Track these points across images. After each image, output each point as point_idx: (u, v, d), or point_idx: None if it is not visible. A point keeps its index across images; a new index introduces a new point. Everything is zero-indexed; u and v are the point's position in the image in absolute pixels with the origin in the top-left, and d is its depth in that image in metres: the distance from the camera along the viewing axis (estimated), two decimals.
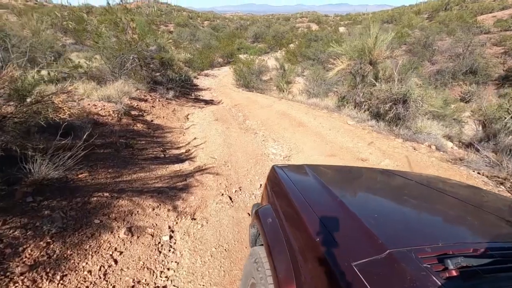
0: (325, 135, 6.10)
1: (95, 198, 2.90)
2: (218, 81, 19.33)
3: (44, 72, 6.52)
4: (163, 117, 7.35)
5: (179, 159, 4.77)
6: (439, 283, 0.72)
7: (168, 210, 3.16)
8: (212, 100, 13.23)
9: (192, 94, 14.07)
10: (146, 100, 8.04)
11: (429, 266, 0.79)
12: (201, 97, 13.87)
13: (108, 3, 9.78)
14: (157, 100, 8.68)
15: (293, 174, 1.69)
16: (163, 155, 4.76)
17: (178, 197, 3.43)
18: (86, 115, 5.15)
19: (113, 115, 5.62)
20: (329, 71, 20.58)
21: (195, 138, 6.00)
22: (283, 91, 12.85)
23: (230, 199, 3.66)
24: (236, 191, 3.90)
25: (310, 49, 24.75)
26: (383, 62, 7.07)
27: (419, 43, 22.66)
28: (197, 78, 19.08)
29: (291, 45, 29.28)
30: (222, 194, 3.72)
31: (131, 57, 9.03)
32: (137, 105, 7.23)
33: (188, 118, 8.32)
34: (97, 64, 9.35)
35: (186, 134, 6.42)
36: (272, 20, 49.96)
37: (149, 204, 3.14)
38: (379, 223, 1.08)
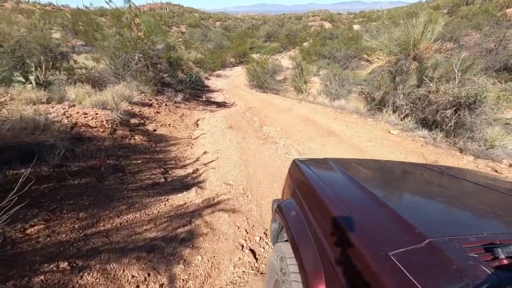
0: (365, 149, 4.82)
1: (41, 277, 1.76)
2: (230, 82, 18.19)
3: (32, 75, 5.51)
4: (169, 124, 6.23)
5: (183, 185, 3.61)
6: (490, 273, 0.66)
7: (161, 286, 1.99)
8: (225, 103, 12.08)
9: (203, 96, 12.96)
10: (150, 105, 6.95)
11: (476, 255, 0.72)
12: (213, 99, 12.75)
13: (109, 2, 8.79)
14: (164, 104, 7.58)
15: (317, 168, 1.56)
16: (163, 179, 3.61)
17: (178, 258, 2.25)
18: (71, 127, 4.06)
19: (106, 125, 4.52)
20: (347, 69, 19.14)
21: (205, 153, 4.84)
22: (302, 92, 11.57)
23: (254, 255, 2.46)
24: (261, 238, 2.70)
25: (325, 48, 23.28)
26: (431, 57, 5.71)
27: (443, 38, 20.80)
28: (209, 79, 18.02)
29: (305, 44, 27.83)
30: (242, 247, 2.52)
31: (136, 57, 7.97)
32: (139, 111, 6.13)
33: (198, 125, 7.18)
34: (103, 65, 8.35)
35: (195, 147, 5.26)
36: (284, 20, 48.47)
37: (132, 278, 1.98)
38: (415, 213, 1.01)
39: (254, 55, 22.69)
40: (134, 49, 7.39)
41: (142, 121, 5.62)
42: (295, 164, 1.67)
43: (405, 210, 1.02)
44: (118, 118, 4.77)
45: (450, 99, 4.58)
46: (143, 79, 7.65)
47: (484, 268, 0.67)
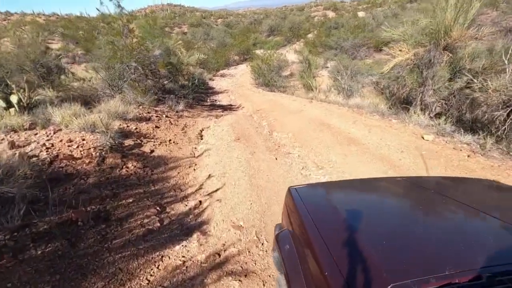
0: (398, 163, 3.98)
1: None
2: (235, 81, 17.37)
3: (14, 98, 4.88)
4: (169, 140, 5.53)
5: (183, 229, 2.90)
6: None
7: None
8: (230, 106, 11.32)
9: (208, 100, 12.23)
10: (149, 119, 6.26)
11: None
12: (218, 102, 12.00)
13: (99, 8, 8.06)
14: (164, 116, 6.88)
15: (307, 197, 1.53)
16: (158, 224, 2.91)
17: None
18: (50, 162, 3.39)
19: (93, 154, 3.85)
20: (356, 59, 18.00)
21: (209, 176, 4.12)
22: (312, 90, 10.68)
23: None
24: None
25: (331, 38, 22.09)
26: (466, 45, 4.78)
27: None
28: (213, 80, 17.27)
29: (310, 36, 26.64)
30: None
31: (133, 66, 7.28)
32: (136, 129, 5.45)
33: (202, 137, 6.46)
34: (101, 75, 7.71)
35: (198, 168, 4.55)
36: (286, 12, 46.97)
37: None
38: (387, 250, 1.03)
39: (258, 51, 21.74)
40: (129, 58, 6.69)
41: (138, 141, 4.94)
42: (289, 192, 1.62)
43: (381, 247, 1.02)
44: (109, 143, 4.09)
45: (504, 98, 3.68)
46: (140, 89, 6.95)
47: None
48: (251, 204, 3.27)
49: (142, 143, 4.96)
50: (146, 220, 2.92)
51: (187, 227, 2.96)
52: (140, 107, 6.78)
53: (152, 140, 5.26)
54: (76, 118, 4.58)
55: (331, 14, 43.00)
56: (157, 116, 6.60)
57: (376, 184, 1.91)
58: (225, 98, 13.07)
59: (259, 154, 4.96)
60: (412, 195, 1.62)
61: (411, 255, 1.01)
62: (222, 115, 9.20)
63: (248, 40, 27.00)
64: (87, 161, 3.64)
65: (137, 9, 52.16)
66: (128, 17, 7.09)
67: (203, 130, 7.05)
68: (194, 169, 4.53)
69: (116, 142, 4.37)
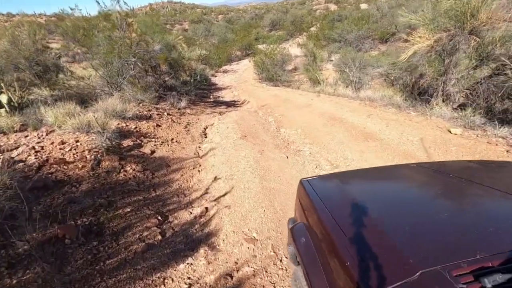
0: (425, 160, 3.54)
1: None
2: (238, 77, 16.91)
3: (4, 98, 4.51)
4: (172, 140, 5.13)
5: (188, 242, 2.51)
6: None
7: None
8: (234, 102, 10.89)
9: (211, 96, 11.81)
10: (149, 117, 5.86)
11: (464, 286, 0.70)
12: (221, 99, 11.58)
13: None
14: (166, 113, 6.48)
15: (321, 188, 1.47)
16: (159, 236, 2.52)
17: None
18: (38, 168, 3.01)
19: (87, 157, 3.46)
20: (361, 51, 17.40)
21: (216, 179, 3.72)
22: (319, 83, 10.19)
23: None
24: None
25: (334, 31, 21.45)
26: (494, 29, 4.29)
27: None
28: (215, 76, 16.82)
29: (312, 29, 25.96)
30: None
31: (132, 61, 6.86)
32: (135, 128, 5.05)
33: (206, 135, 6.06)
34: (101, 73, 7.31)
35: (203, 169, 4.15)
36: (287, 6, 46.10)
37: None
38: (411, 238, 0.97)
39: (260, 46, 21.19)
40: (127, 53, 6.27)
41: (138, 141, 4.54)
42: (301, 185, 1.55)
43: (402, 236, 0.98)
44: (105, 144, 3.69)
45: None
46: (140, 86, 6.55)
47: None
48: (264, 211, 2.86)
49: (142, 143, 4.57)
50: (145, 233, 2.53)
51: (193, 239, 2.57)
52: (140, 104, 6.38)
53: (153, 139, 4.86)
54: (70, 118, 4.19)
55: (333, 7, 42.08)
56: (158, 114, 6.20)
57: (392, 172, 1.81)
58: (228, 94, 12.65)
59: (268, 153, 4.54)
60: (433, 181, 1.52)
61: (437, 241, 0.95)
62: (226, 111, 8.78)
63: (250, 35, 26.41)
64: (80, 166, 3.25)
65: (137, 7, 51.57)
66: (126, 12, 6.65)
67: (207, 127, 6.64)
68: (199, 171, 4.13)
69: (114, 143, 3.98)
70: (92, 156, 3.49)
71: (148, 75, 7.75)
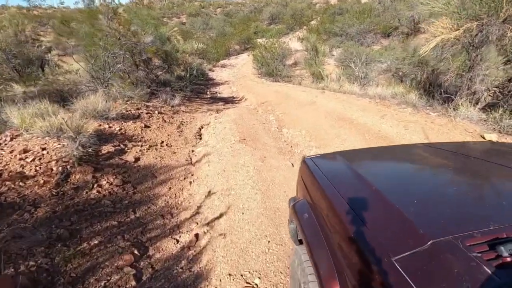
0: None
1: None
2: (236, 72, 16.14)
3: None
4: (161, 143, 4.49)
5: (170, 287, 1.90)
6: (492, 273, 0.61)
7: None
8: (232, 98, 10.21)
9: (208, 92, 11.11)
10: (137, 117, 5.19)
11: (479, 255, 0.67)
12: (219, 95, 10.88)
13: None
14: (157, 112, 5.80)
15: (324, 165, 1.45)
16: (133, 282, 1.90)
17: None
18: None
19: (53, 169, 2.82)
20: (363, 46, 16.67)
21: (209, 194, 3.09)
22: (322, 79, 9.51)
23: None
24: None
25: (336, 24, 20.65)
26: None
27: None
28: (213, 71, 16.05)
29: (313, 22, 25.09)
30: None
31: (120, 54, 6.16)
32: (120, 130, 4.40)
33: (201, 136, 5.42)
34: (83, 66, 6.60)
35: (196, 180, 3.52)
36: (286, 0, 44.97)
37: None
38: (419, 209, 0.93)
39: (259, 40, 20.37)
40: (113, 45, 5.57)
41: (121, 146, 3.89)
42: (304, 163, 1.53)
43: (410, 206, 0.93)
44: (77, 152, 3.04)
45: None
46: (129, 81, 5.86)
47: (486, 269, 0.62)
48: (268, 242, 2.25)
49: (126, 148, 3.92)
50: (115, 277, 1.91)
51: (177, 284, 1.95)
52: (129, 102, 5.70)
53: (140, 143, 4.21)
54: (41, 119, 3.52)
55: (333, 1, 41.02)
56: (148, 113, 5.53)
57: (398, 150, 1.80)
58: (226, 90, 11.94)
59: (270, 160, 3.91)
60: (443, 158, 1.46)
61: (448, 213, 0.90)
62: (223, 109, 8.12)
63: (249, 29, 25.47)
64: (42, 181, 2.61)
65: (134, 1, 50.23)
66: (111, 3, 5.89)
67: (202, 127, 5.99)
68: (191, 182, 3.49)
69: (89, 150, 3.33)
70: (60, 168, 2.84)
71: (139, 70, 7.04)
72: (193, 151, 4.61)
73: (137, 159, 3.69)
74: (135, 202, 2.86)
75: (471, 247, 0.69)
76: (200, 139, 5.30)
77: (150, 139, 4.55)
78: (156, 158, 3.90)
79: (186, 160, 4.16)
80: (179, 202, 3.04)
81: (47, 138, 3.37)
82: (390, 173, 1.38)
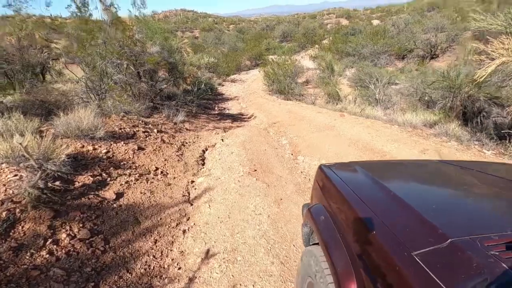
0: None
1: None
2: (246, 87, 15.52)
3: None
4: (156, 170, 3.67)
5: None
6: (509, 268, 0.64)
7: None
8: (241, 115, 9.46)
9: (216, 108, 10.40)
10: (132, 136, 4.41)
11: (497, 253, 0.69)
12: (227, 111, 10.15)
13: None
14: (156, 130, 5.03)
15: (342, 172, 1.49)
16: None
17: None
18: None
19: None
20: (376, 67, 15.99)
21: (208, 255, 2.22)
22: (340, 100, 8.72)
23: None
24: None
25: (349, 44, 20.14)
26: None
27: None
28: (222, 85, 15.46)
29: (325, 42, 24.72)
30: None
31: (119, 63, 5.49)
32: (107, 153, 3.60)
33: (203, 162, 4.59)
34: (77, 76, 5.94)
35: (191, 230, 2.65)
36: (298, 19, 45.27)
37: None
38: (438, 213, 0.96)
39: (271, 56, 19.94)
40: (112, 53, 4.89)
41: (103, 176, 3.08)
42: (321, 170, 1.56)
43: (429, 211, 0.96)
44: (32, 191, 2.23)
45: None
46: (123, 94, 5.13)
47: (503, 264, 0.65)
48: None
49: (109, 179, 3.10)
50: None
51: None
52: (125, 118, 4.95)
53: (128, 171, 3.40)
54: (1, 139, 2.75)
55: (344, 21, 41.06)
56: (145, 132, 4.75)
57: (415, 164, 1.84)
58: (235, 106, 11.22)
59: (288, 203, 3.04)
60: (460, 173, 1.48)
61: (466, 218, 0.96)
62: (231, 127, 7.35)
63: (260, 46, 25.21)
64: None
65: (150, 14, 51.26)
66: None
67: (206, 149, 5.19)
68: (185, 231, 2.63)
69: (56, 184, 2.51)
70: (3, 214, 2.02)
71: (142, 82, 6.36)
72: (192, 182, 3.77)
73: (119, 196, 2.86)
74: (102, 268, 2.00)
75: (489, 246, 0.71)
76: (203, 165, 4.48)
77: (143, 165, 3.74)
78: (144, 194, 3.06)
79: (183, 195, 3.31)
80: (165, 267, 2.17)
81: (4, 165, 2.58)
82: (407, 182, 1.43)
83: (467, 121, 5.64)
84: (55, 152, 2.77)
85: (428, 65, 15.76)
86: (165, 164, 3.99)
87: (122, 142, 3.99)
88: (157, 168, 3.79)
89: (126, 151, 3.85)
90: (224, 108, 10.52)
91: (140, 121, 5.16)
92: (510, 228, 0.79)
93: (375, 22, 35.63)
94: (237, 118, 9.03)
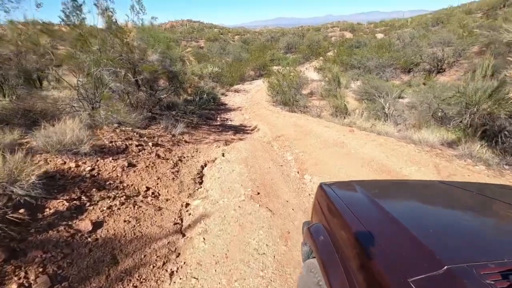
0: None
1: None
2: (250, 98, 15.19)
3: None
4: (146, 191, 3.22)
5: None
6: None
7: None
8: (244, 127, 9.04)
9: (218, 118, 10.00)
10: (123, 150, 3.98)
11: (492, 282, 0.69)
12: (230, 122, 9.75)
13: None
14: (151, 144, 4.60)
15: (342, 192, 1.49)
16: None
17: None
18: None
19: None
20: (381, 80, 15.64)
21: None
22: (347, 114, 8.28)
23: None
24: None
25: (353, 57, 19.89)
26: None
27: (496, 41, 16.94)
28: (226, 95, 15.15)
29: (329, 54, 24.53)
30: None
31: (117, 71, 5.13)
32: (91, 171, 3.16)
33: (201, 180, 4.14)
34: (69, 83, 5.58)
35: (179, 272, 2.17)
36: (302, 31, 45.52)
37: None
38: (435, 238, 0.95)
39: (275, 67, 19.71)
40: (108, 60, 4.52)
41: (81, 200, 2.63)
42: (321, 189, 1.55)
43: (427, 235, 0.96)
44: None
45: None
46: (115, 104, 4.73)
47: None
48: None
49: (90, 203, 2.65)
50: None
51: None
52: (118, 129, 4.53)
53: (113, 193, 2.95)
54: None
55: (348, 35, 41.18)
56: (139, 145, 4.32)
57: (414, 184, 1.84)
58: (238, 117, 10.83)
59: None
60: (457, 195, 1.47)
61: (463, 243, 0.94)
62: (233, 140, 6.92)
63: (265, 56, 25.07)
64: None
65: (157, 24, 51.89)
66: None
67: (205, 165, 4.75)
68: (172, 274, 2.15)
69: (20, 213, 2.06)
70: None
71: (140, 90, 5.99)
72: (187, 205, 3.31)
73: (96, 226, 2.40)
74: None
75: (485, 275, 0.71)
76: (201, 183, 4.02)
77: (132, 184, 3.29)
78: (128, 222, 2.60)
79: (175, 223, 2.84)
80: None
81: None
82: (406, 203, 1.42)
83: (487, 140, 5.18)
84: (24, 172, 2.33)
85: (436, 80, 15.39)
86: (157, 184, 3.54)
87: (111, 158, 3.56)
88: (148, 188, 3.34)
89: (114, 168, 3.41)
90: (227, 119, 10.13)
91: (135, 133, 4.74)
92: (507, 255, 0.79)
93: (379, 36, 35.65)
94: (240, 130, 8.61)
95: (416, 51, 18.14)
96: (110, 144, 3.95)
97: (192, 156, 5.07)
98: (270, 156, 5.46)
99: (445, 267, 0.74)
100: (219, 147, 6.01)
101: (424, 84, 14.07)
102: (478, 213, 1.25)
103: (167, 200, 3.30)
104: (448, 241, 0.94)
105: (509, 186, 1.85)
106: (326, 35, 40.36)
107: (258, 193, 3.44)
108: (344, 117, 7.95)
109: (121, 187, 3.15)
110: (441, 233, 0.99)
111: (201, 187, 3.92)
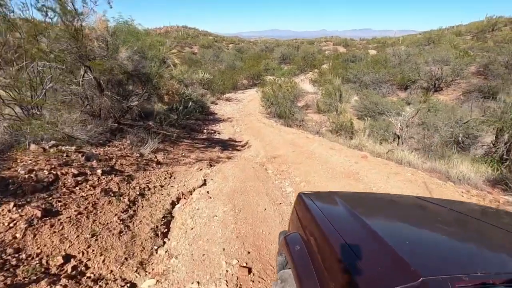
0: None
1: None
2: (242, 108, 13.92)
3: None
4: (62, 265, 1.85)
5: None
6: None
7: None
8: (234, 142, 7.72)
9: (204, 130, 8.64)
10: (48, 185, 2.57)
11: None
12: (217, 136, 8.39)
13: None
14: (98, 171, 3.21)
15: (321, 202, 1.45)
16: None
17: None
18: None
19: None
20: (382, 96, 14.75)
21: None
22: (353, 133, 7.11)
23: None
24: None
25: (349, 71, 19.11)
26: None
27: (495, 62, 16.49)
28: (216, 104, 13.83)
29: (324, 66, 23.76)
30: None
31: (47, 66, 3.74)
32: None
33: (167, 229, 2.78)
34: None
35: None
36: (297, 44, 45.18)
37: None
38: (412, 250, 0.94)
39: (269, 77, 18.64)
40: (38, 49, 3.16)
41: None
42: (301, 198, 1.52)
43: (403, 247, 0.94)
44: None
45: None
46: (62, 112, 3.35)
47: None
48: None
49: None
50: None
51: None
52: (50, 150, 3.12)
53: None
54: None
55: (341, 49, 41.03)
56: (78, 175, 2.93)
57: (391, 197, 1.82)
58: (227, 129, 9.50)
59: None
60: (434, 210, 1.47)
61: (438, 256, 0.93)
62: (219, 159, 5.59)
63: (259, 65, 24.02)
64: None
65: (152, 28, 50.41)
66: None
67: (177, 202, 3.41)
68: None
69: None
70: None
71: (104, 95, 4.61)
72: (134, 286, 1.95)
73: None
74: None
75: None
76: (164, 240, 2.66)
77: (39, 253, 1.91)
78: None
79: None
80: None
81: None
82: (384, 216, 1.39)
83: None
84: None
85: (434, 98, 14.65)
86: (88, 246, 2.17)
87: (12, 204, 2.16)
88: (67, 259, 1.97)
89: (12, 224, 2.02)
90: (214, 132, 8.78)
91: (79, 155, 3.34)
92: (480, 269, 0.78)
93: (372, 52, 35.51)
94: (229, 145, 7.29)
95: (414, 68, 17.49)
96: (27, 176, 2.55)
97: (162, 186, 3.71)
98: (265, 187, 4.14)
99: (421, 279, 0.72)
100: (201, 169, 4.68)
101: (424, 102, 13.24)
102: (452, 228, 1.24)
103: (97, 280, 1.93)
104: (425, 253, 0.93)
105: (476, 204, 1.92)
106: (320, 49, 40.02)
107: (249, 270, 2.12)
108: (351, 137, 6.77)
109: (14, 262, 1.76)
110: (418, 246, 0.98)
111: (163, 245, 2.56)
